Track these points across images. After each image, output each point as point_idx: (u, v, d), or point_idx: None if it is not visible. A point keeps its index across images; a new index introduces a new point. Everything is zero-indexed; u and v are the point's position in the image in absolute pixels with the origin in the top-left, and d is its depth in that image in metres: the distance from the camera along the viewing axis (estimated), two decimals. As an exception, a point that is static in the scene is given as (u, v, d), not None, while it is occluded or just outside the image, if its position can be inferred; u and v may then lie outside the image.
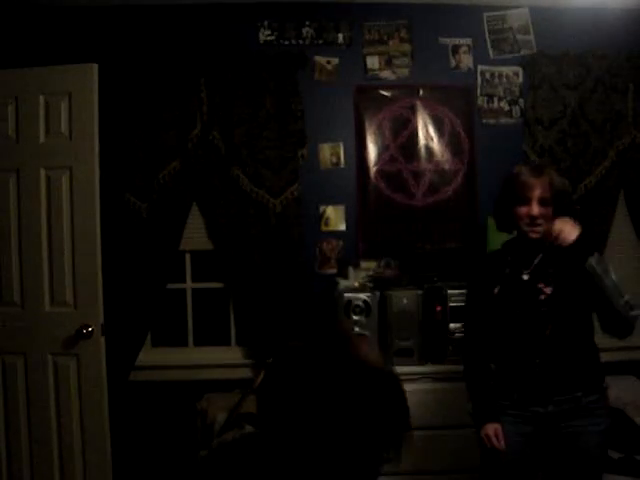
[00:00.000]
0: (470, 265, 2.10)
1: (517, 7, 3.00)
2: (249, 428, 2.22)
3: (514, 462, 1.83)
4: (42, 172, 2.44)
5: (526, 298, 1.83)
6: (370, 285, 2.75)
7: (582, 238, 1.71)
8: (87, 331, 2.39)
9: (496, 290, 1.87)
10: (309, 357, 0.89)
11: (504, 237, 2.22)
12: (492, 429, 1.83)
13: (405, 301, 2.58)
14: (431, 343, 2.60)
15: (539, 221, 1.79)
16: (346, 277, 2.84)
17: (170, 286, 2.96)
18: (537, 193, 1.79)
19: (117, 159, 2.83)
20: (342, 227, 3.00)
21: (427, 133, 3.02)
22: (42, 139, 2.45)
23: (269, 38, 2.98)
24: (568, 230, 1.72)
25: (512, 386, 1.85)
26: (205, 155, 2.87)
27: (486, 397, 1.91)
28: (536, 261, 1.85)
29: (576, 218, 1.79)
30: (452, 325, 2.56)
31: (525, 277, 1.85)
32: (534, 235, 1.80)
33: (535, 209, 1.78)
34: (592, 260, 1.69)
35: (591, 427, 1.78)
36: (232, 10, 2.94)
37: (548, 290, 1.81)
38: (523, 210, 1.80)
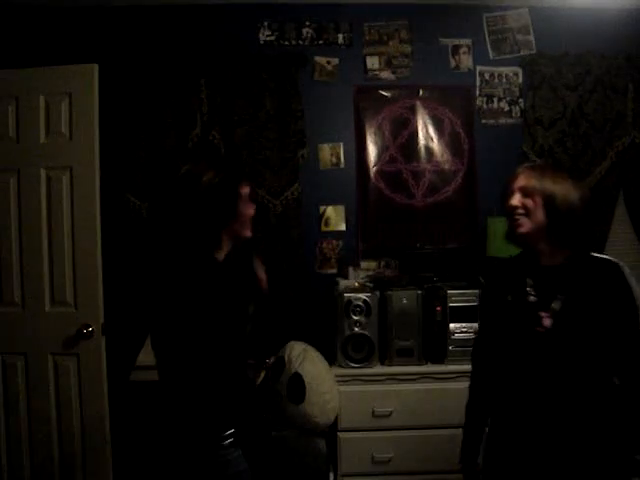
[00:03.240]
0: (485, 273, 1.86)
1: (517, 7, 3.00)
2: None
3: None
4: (42, 172, 2.44)
5: (524, 325, 1.53)
6: (370, 285, 2.75)
7: None
8: (87, 331, 2.39)
9: (499, 312, 1.61)
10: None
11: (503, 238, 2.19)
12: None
13: (405, 301, 2.58)
14: (431, 343, 2.60)
15: (519, 211, 1.54)
16: (346, 277, 2.84)
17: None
18: (518, 183, 1.57)
19: (117, 159, 2.83)
20: (342, 227, 3.00)
21: (427, 133, 3.02)
22: (42, 139, 2.44)
23: (269, 38, 2.98)
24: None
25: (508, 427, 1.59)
26: (205, 155, 2.87)
27: (471, 439, 1.72)
28: (543, 280, 1.53)
29: (564, 231, 1.53)
30: (452, 325, 2.57)
31: (532, 299, 1.54)
32: (517, 230, 1.54)
33: (514, 199, 1.55)
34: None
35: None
36: (232, 10, 2.95)
37: (547, 322, 1.49)
38: (506, 202, 1.58)
